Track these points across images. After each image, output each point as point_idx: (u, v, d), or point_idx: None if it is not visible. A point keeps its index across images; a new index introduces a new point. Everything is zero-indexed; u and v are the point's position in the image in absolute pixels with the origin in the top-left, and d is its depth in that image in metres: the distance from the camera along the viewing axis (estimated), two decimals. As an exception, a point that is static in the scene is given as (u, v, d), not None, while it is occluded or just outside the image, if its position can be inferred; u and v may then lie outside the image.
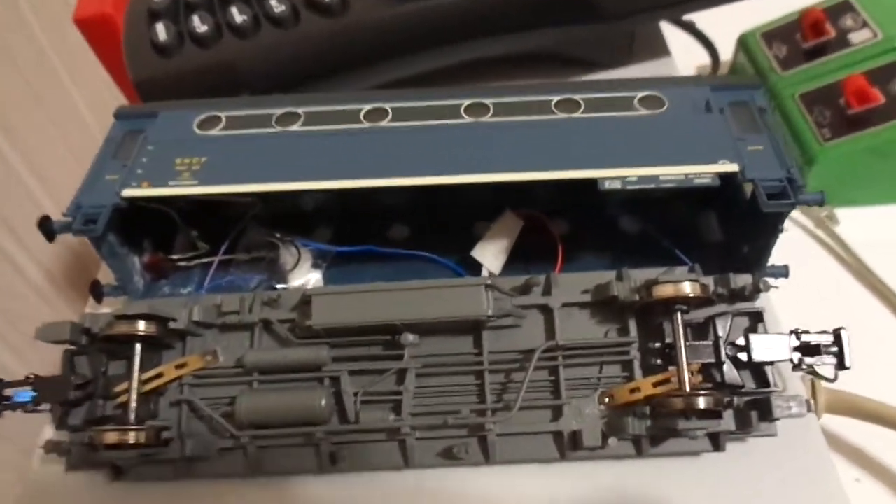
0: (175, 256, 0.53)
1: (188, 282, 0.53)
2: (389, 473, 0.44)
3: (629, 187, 0.42)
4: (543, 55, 0.66)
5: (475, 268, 0.51)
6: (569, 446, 0.42)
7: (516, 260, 0.52)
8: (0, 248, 0.52)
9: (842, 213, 0.68)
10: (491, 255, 0.51)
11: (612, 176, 0.42)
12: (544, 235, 0.53)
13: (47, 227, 0.46)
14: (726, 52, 0.76)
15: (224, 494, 0.44)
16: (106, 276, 0.52)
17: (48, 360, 0.57)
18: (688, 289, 0.40)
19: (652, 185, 0.42)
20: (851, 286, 0.65)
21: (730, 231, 0.51)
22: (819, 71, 0.69)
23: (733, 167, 0.42)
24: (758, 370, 0.42)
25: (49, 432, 0.45)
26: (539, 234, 0.53)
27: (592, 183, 0.44)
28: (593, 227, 0.53)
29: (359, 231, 0.53)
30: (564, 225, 0.53)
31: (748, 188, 0.48)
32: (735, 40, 0.78)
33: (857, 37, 0.68)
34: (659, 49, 0.68)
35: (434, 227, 0.54)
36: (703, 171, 0.42)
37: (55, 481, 0.46)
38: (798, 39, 0.72)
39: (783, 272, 0.47)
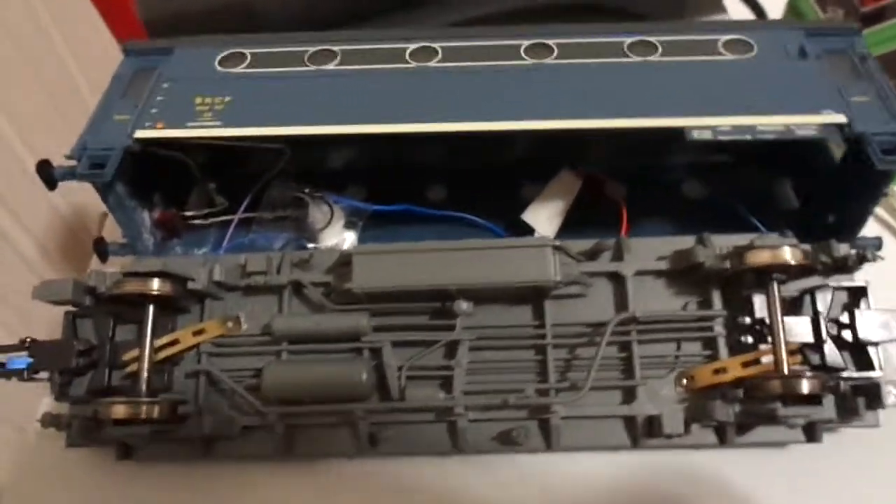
0: (189, 213, 0.47)
1: (203, 242, 0.47)
2: (436, 459, 0.39)
3: (721, 138, 0.37)
4: (589, 6, 0.60)
5: (523, 234, 0.46)
6: (643, 432, 0.37)
7: (569, 225, 0.47)
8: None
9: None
10: (545, 218, 0.45)
11: (700, 125, 0.37)
12: (600, 200, 0.48)
13: (47, 173, 0.40)
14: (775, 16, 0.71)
15: (248, 478, 0.39)
16: (110, 235, 0.46)
17: (43, 335, 0.52)
18: (788, 255, 0.35)
19: (748, 137, 0.37)
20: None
21: (812, 198, 0.46)
22: (880, 37, 0.64)
23: (840, 118, 0.37)
24: (862, 352, 0.36)
25: (48, 405, 0.40)
26: (593, 198, 0.48)
27: (665, 136, 0.39)
28: (654, 192, 0.48)
29: (394, 192, 0.47)
30: (623, 189, 0.48)
31: (836, 149, 0.42)
32: (784, 3, 0.72)
33: (921, -1, 0.63)
34: (713, 3, 0.62)
35: (477, 189, 0.48)
36: (807, 122, 0.37)
37: (54, 459, 0.40)
38: (856, 3, 0.67)
39: (876, 244, 0.42)
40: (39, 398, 0.41)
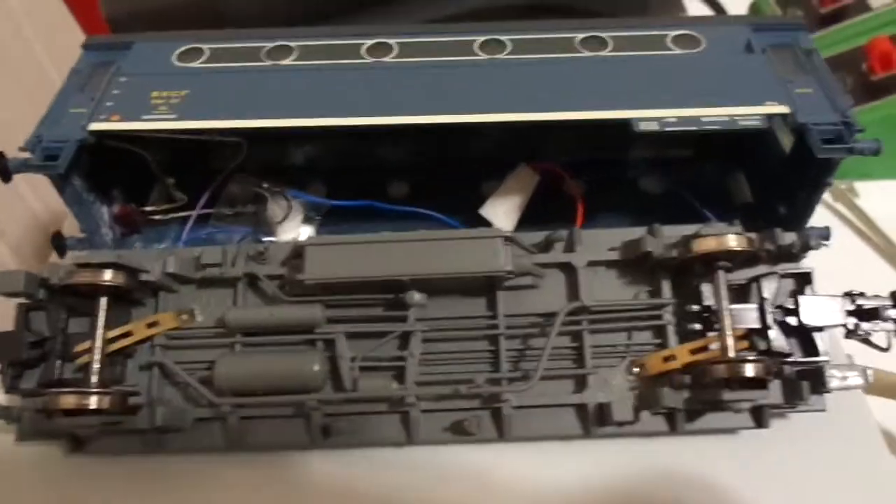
0: (149, 208, 0.47)
1: (163, 237, 0.47)
2: (390, 450, 0.39)
3: (668, 129, 0.37)
4: (554, 7, 0.61)
5: (483, 229, 0.46)
6: (594, 421, 0.37)
7: (528, 221, 0.47)
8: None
9: (860, 186, 0.64)
10: (502, 212, 0.46)
11: (647, 117, 0.38)
12: (560, 195, 0.48)
13: (1, 166, 0.40)
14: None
15: (200, 472, 0.39)
16: (72, 230, 0.46)
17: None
18: (733, 242, 0.35)
19: (693, 127, 0.38)
20: (874, 261, 0.61)
21: (763, 190, 0.47)
22: (839, 36, 0.65)
23: (783, 109, 0.38)
24: (807, 337, 0.37)
25: (-1, 399, 0.39)
26: (553, 193, 0.48)
27: (620, 129, 0.39)
28: (612, 188, 0.49)
29: (355, 189, 0.47)
30: (581, 185, 0.48)
31: (786, 141, 0.43)
32: (748, 4, 0.74)
33: (878, 0, 0.65)
34: (673, 5, 0.63)
35: (438, 186, 0.49)
36: (751, 113, 0.38)
37: (3, 454, 0.40)
38: (814, 4, 0.68)
39: (824, 234, 0.42)
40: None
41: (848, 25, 0.65)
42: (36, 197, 0.57)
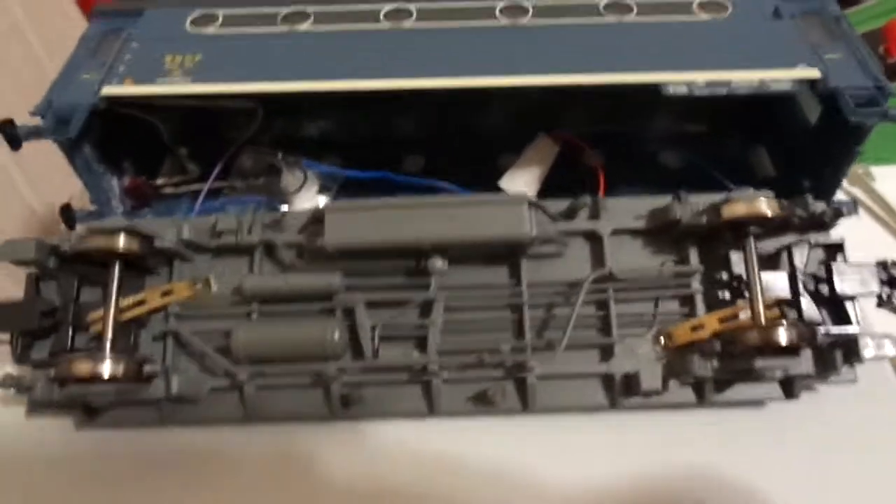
0: (160, 181, 0.46)
1: (174, 212, 0.46)
2: (411, 422, 0.38)
3: (697, 92, 0.37)
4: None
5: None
6: (621, 391, 0.36)
7: (545, 195, 0.46)
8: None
9: (876, 171, 0.64)
10: (523, 183, 0.45)
11: (676, 80, 0.37)
12: (575, 169, 0.47)
13: (11, 133, 0.39)
14: None
15: (216, 445, 0.38)
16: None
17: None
18: (764, 206, 0.34)
19: (723, 91, 0.37)
20: (892, 244, 0.61)
21: (787, 164, 0.46)
22: (856, 19, 0.65)
23: (814, 73, 0.37)
24: (838, 306, 0.36)
25: (8, 369, 0.38)
26: (570, 166, 0.47)
27: (646, 95, 0.38)
28: (630, 163, 0.48)
29: (370, 164, 0.46)
30: (600, 157, 0.48)
31: (811, 111, 0.43)
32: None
33: (896, -17, 0.64)
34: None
35: (453, 160, 0.48)
36: (781, 77, 0.37)
37: (13, 429, 0.39)
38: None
39: (850, 207, 0.41)
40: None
41: (865, 8, 0.64)
42: (35, 195, 0.57)
